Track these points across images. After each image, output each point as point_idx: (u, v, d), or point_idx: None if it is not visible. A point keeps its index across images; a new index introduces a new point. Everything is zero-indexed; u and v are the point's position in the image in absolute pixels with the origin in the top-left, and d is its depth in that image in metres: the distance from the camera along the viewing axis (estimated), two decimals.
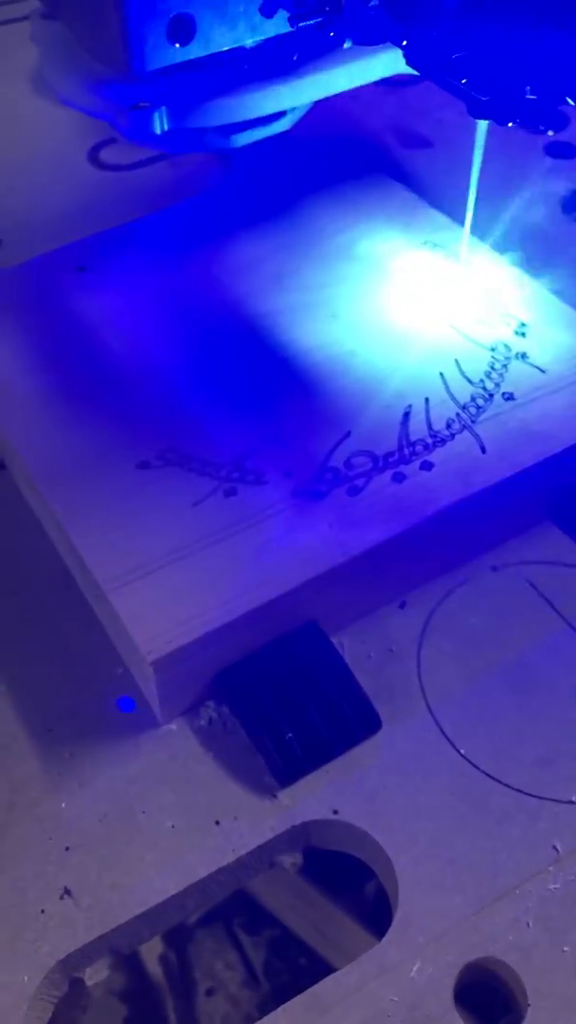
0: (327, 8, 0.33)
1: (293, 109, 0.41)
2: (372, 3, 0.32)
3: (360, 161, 0.48)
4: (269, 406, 0.37)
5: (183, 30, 0.35)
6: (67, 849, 0.30)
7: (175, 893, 0.29)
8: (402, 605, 0.35)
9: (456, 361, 0.38)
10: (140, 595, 0.31)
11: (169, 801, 0.31)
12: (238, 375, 0.38)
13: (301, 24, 0.34)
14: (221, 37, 0.36)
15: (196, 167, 0.55)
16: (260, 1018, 0.26)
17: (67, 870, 0.29)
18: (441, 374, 0.38)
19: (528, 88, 0.29)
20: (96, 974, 0.29)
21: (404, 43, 0.31)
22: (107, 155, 0.56)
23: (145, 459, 0.35)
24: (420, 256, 0.43)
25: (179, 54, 0.35)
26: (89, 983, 0.29)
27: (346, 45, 0.36)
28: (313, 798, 0.31)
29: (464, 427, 0.36)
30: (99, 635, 0.35)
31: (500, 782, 0.31)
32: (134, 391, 0.37)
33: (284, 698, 0.32)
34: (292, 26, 0.34)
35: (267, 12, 0.35)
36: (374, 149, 0.52)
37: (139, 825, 0.30)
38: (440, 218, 0.44)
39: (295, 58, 0.38)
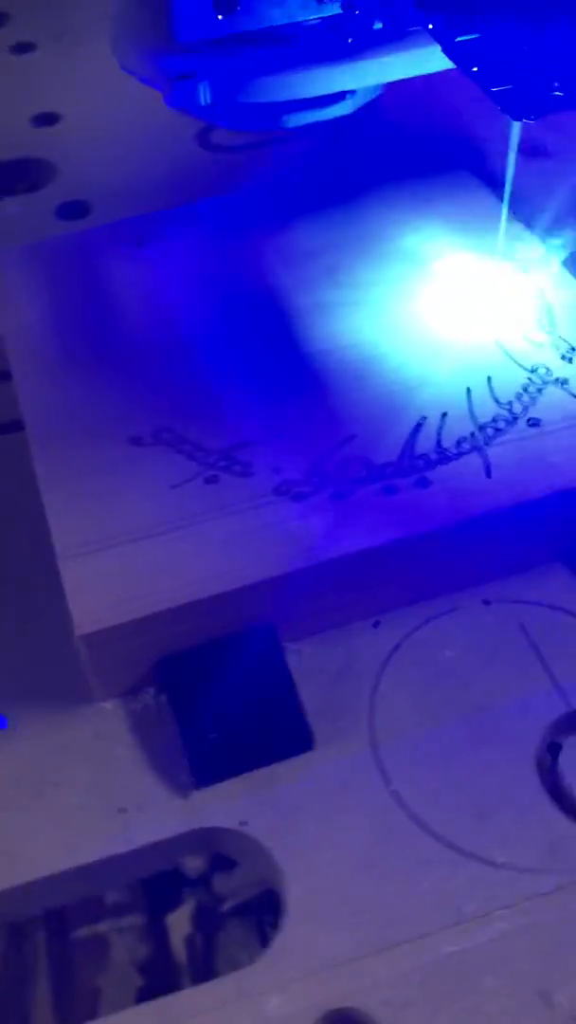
0: None
1: (353, 93, 0.39)
2: None
3: (450, 156, 0.46)
4: (279, 399, 0.35)
5: (227, 1, 0.34)
6: None
7: (62, 871, 0.28)
8: (376, 624, 0.33)
9: (488, 378, 0.36)
10: (91, 568, 0.31)
11: (82, 779, 0.30)
12: (259, 365, 0.37)
13: (327, 3, 0.33)
14: (269, 12, 0.35)
15: (303, 151, 0.55)
16: None
17: None
18: (468, 389, 0.35)
19: (556, 84, 0.26)
20: None
21: (430, 26, 0.29)
22: (218, 136, 0.56)
23: (139, 434, 0.35)
24: (483, 264, 0.41)
25: (223, 26, 0.34)
26: None
27: (376, 26, 0.34)
28: (225, 804, 0.29)
29: (475, 448, 0.34)
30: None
31: (425, 828, 0.29)
32: (150, 367, 0.37)
33: (219, 697, 0.30)
34: (319, 3, 0.33)
35: None
36: (468, 145, 0.49)
37: (46, 797, 0.30)
38: (517, 227, 0.42)
39: (350, 41, 0.36)
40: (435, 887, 0.27)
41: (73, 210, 0.51)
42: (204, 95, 0.37)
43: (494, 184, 0.45)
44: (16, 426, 0.36)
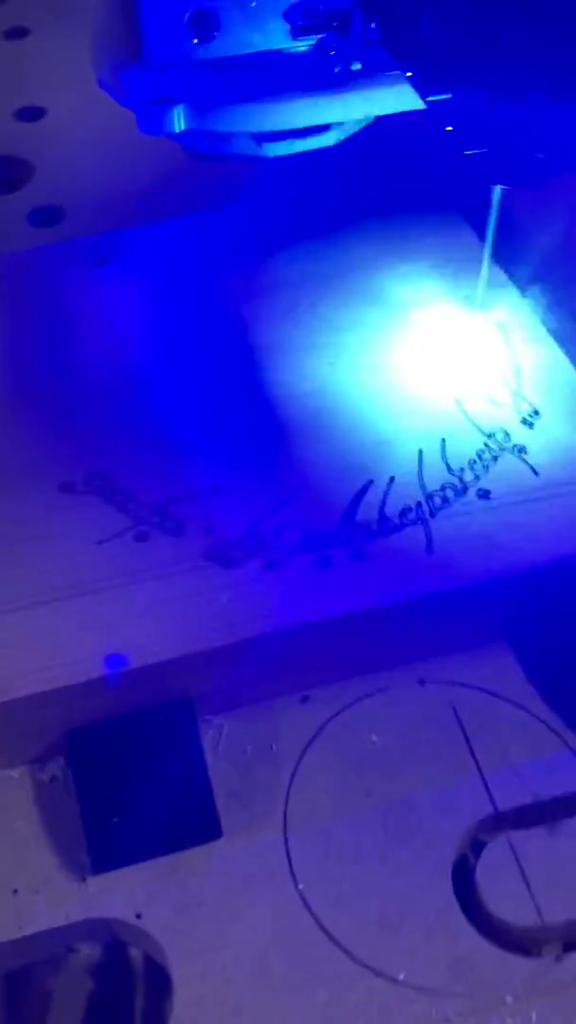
0: (334, 24, 0.29)
1: (340, 125, 0.37)
2: (371, 27, 0.28)
3: (440, 194, 0.44)
4: (222, 450, 0.34)
5: (204, 25, 0.32)
6: None
7: None
8: (304, 699, 0.32)
9: (443, 440, 0.34)
10: (4, 629, 0.29)
11: None
12: (207, 409, 0.35)
13: (301, 38, 0.30)
14: (249, 39, 0.32)
15: (292, 168, 0.52)
16: None
17: None
18: (420, 451, 0.33)
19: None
20: None
21: (408, 74, 0.26)
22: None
23: (71, 480, 0.33)
24: (459, 315, 0.38)
25: (199, 50, 0.32)
26: None
27: (356, 66, 0.32)
28: (123, 894, 0.28)
29: (419, 519, 0.32)
30: None
31: (328, 934, 0.27)
32: (91, 404, 0.35)
33: (125, 776, 0.29)
34: (294, 38, 0.31)
35: (289, 20, 0.32)
36: (460, 182, 0.47)
37: None
38: (499, 275, 0.39)
39: (337, 71, 0.34)
40: (331, 1000, 0.26)
41: (46, 216, 0.49)
42: (178, 121, 0.35)
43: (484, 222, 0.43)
44: None
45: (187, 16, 0.31)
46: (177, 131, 0.34)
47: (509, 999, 0.26)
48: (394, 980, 0.26)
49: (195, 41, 0.32)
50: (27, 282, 0.40)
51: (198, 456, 0.33)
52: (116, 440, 0.34)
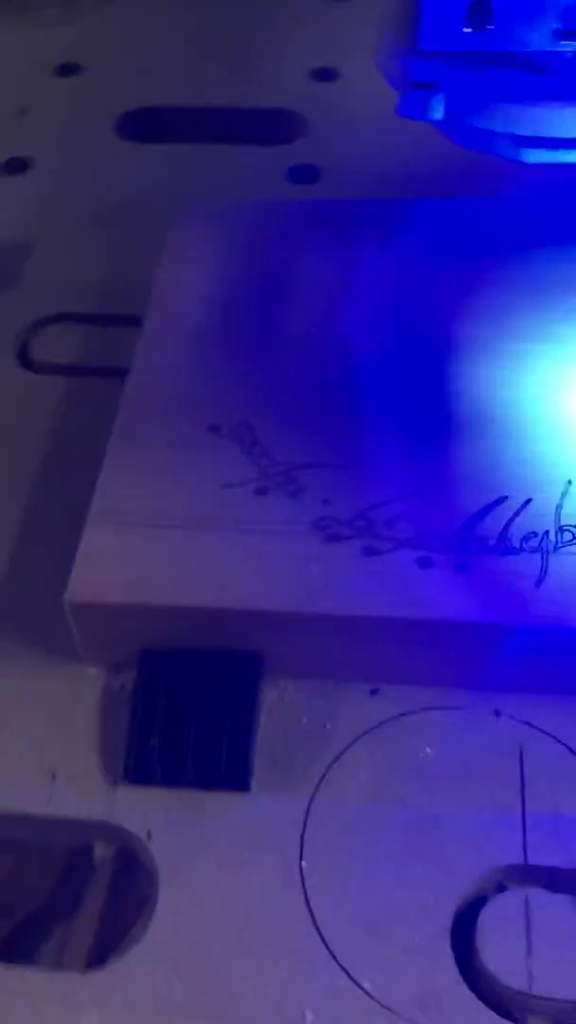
0: None
1: None
2: None
3: None
4: (358, 431, 0.33)
5: (480, 15, 0.31)
6: None
7: None
8: (373, 692, 0.31)
9: None
10: (111, 539, 0.31)
11: (35, 731, 0.31)
12: (368, 388, 0.35)
13: (563, 43, 0.29)
14: (524, 34, 0.31)
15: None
16: None
17: None
18: (569, 482, 0.32)
19: None
20: None
21: None
22: None
23: (219, 423, 0.34)
24: None
25: (471, 40, 0.32)
26: None
27: None
28: (142, 809, 0.29)
29: (540, 549, 0.30)
30: None
31: (313, 919, 0.27)
32: (266, 360, 0.36)
33: (177, 706, 0.30)
34: (558, 41, 0.29)
35: (562, 22, 0.31)
36: None
37: (8, 733, 0.31)
38: None
39: None
40: (292, 980, 0.26)
41: (304, 174, 0.51)
42: (438, 109, 0.34)
43: None
44: (120, 373, 0.37)
45: (466, 6, 0.31)
46: (435, 119, 0.34)
47: None
48: (359, 986, 0.26)
49: (467, 30, 0.32)
50: (252, 233, 0.41)
51: (338, 430, 0.34)
52: (270, 398, 0.35)
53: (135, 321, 0.42)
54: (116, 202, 0.50)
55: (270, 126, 0.55)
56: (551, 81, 0.33)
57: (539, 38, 0.31)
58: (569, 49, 0.32)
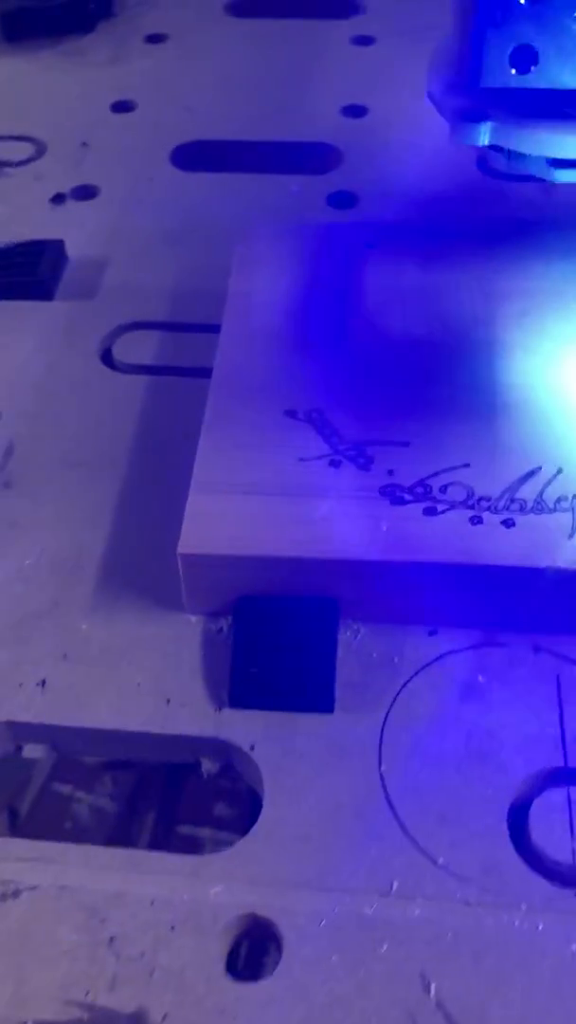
0: None
1: None
2: None
3: None
4: (417, 415, 0.39)
5: (524, 59, 0.37)
6: (64, 656, 0.37)
7: (108, 728, 0.35)
8: (432, 633, 0.37)
9: None
10: (211, 504, 0.37)
11: (150, 665, 0.37)
12: (422, 379, 0.41)
13: None
14: (561, 75, 0.37)
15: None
16: None
17: (57, 666, 0.37)
18: None
19: None
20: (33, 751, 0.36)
21: None
22: (497, 162, 0.59)
23: (295, 409, 0.40)
24: None
25: (514, 79, 0.38)
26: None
27: None
28: (245, 728, 0.35)
29: (571, 509, 0.36)
30: None
31: (393, 811, 0.33)
32: (332, 356, 0.42)
33: (271, 642, 0.36)
34: None
35: None
36: None
37: (119, 669, 0.36)
38: None
39: None
40: (379, 859, 0.32)
41: (342, 199, 0.57)
42: (484, 136, 0.40)
43: None
44: (207, 372, 0.43)
45: (510, 50, 0.37)
46: (482, 144, 0.40)
47: (524, 906, 0.30)
48: (434, 861, 0.31)
49: (513, 71, 0.38)
50: (311, 250, 0.47)
51: (401, 415, 0.40)
52: (341, 386, 0.41)
53: (204, 328, 0.48)
54: (177, 224, 0.56)
55: (309, 157, 0.61)
56: None
57: (575, 78, 0.37)
58: None
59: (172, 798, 0.36)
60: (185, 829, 0.35)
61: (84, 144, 0.62)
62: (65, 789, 0.37)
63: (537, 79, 0.37)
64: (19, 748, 0.37)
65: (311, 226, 0.49)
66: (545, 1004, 0.29)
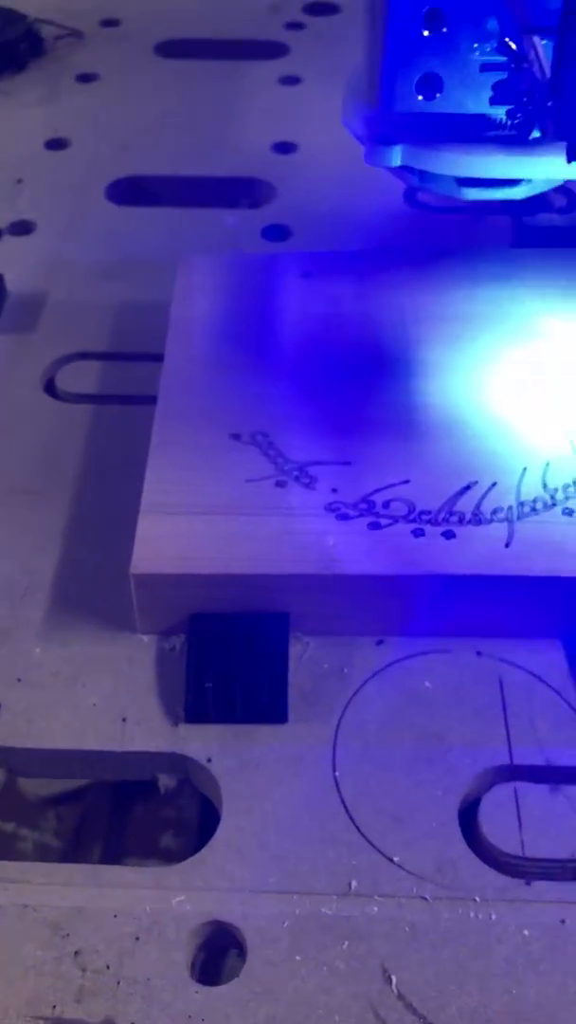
0: (524, 100, 0.36)
1: (530, 182, 0.44)
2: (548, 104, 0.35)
3: None
4: (359, 435, 0.41)
5: (430, 87, 0.40)
6: (18, 680, 0.37)
7: (66, 749, 0.35)
8: (379, 643, 0.38)
9: (547, 463, 0.40)
10: (161, 524, 0.38)
11: (104, 686, 0.37)
12: (357, 402, 0.43)
13: (497, 105, 0.38)
14: (465, 101, 0.40)
15: (492, 226, 0.59)
16: None
17: (11, 690, 0.37)
18: (524, 469, 0.40)
19: None
20: None
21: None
22: (424, 197, 0.61)
23: (240, 432, 0.41)
24: None
25: (423, 105, 0.40)
26: None
27: (535, 135, 0.39)
28: (201, 741, 0.35)
29: (507, 519, 0.38)
30: None
31: (348, 814, 0.34)
32: (271, 381, 0.44)
33: (224, 658, 0.37)
34: (491, 104, 0.38)
35: (494, 91, 0.39)
36: None
37: (73, 691, 0.37)
38: None
39: (533, 135, 0.41)
40: (337, 861, 0.33)
41: (276, 232, 0.59)
42: (396, 157, 0.43)
43: None
44: (150, 400, 0.44)
45: (416, 78, 0.40)
46: (394, 166, 0.42)
47: (478, 899, 0.32)
48: (390, 860, 0.33)
49: (420, 98, 0.40)
50: (250, 279, 0.49)
51: (340, 435, 0.41)
52: (282, 410, 0.42)
53: (145, 357, 0.49)
54: (115, 257, 0.57)
55: (242, 192, 0.63)
56: (485, 134, 0.41)
57: (476, 104, 0.40)
58: (500, 112, 0.40)
59: (118, 831, 0.36)
60: (131, 862, 0.36)
61: (19, 181, 0.64)
62: (8, 827, 0.37)
63: (442, 104, 0.40)
64: None
65: (248, 256, 0.51)
66: (502, 988, 0.30)
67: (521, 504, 0.39)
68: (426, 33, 0.38)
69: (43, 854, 0.40)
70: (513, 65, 0.39)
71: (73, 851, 0.38)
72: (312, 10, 0.82)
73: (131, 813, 0.38)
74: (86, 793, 0.38)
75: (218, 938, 0.31)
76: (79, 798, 0.38)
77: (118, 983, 0.30)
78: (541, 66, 0.38)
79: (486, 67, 0.39)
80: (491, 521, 0.38)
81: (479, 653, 0.38)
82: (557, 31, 0.35)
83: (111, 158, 0.65)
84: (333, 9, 0.82)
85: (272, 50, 0.77)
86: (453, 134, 0.42)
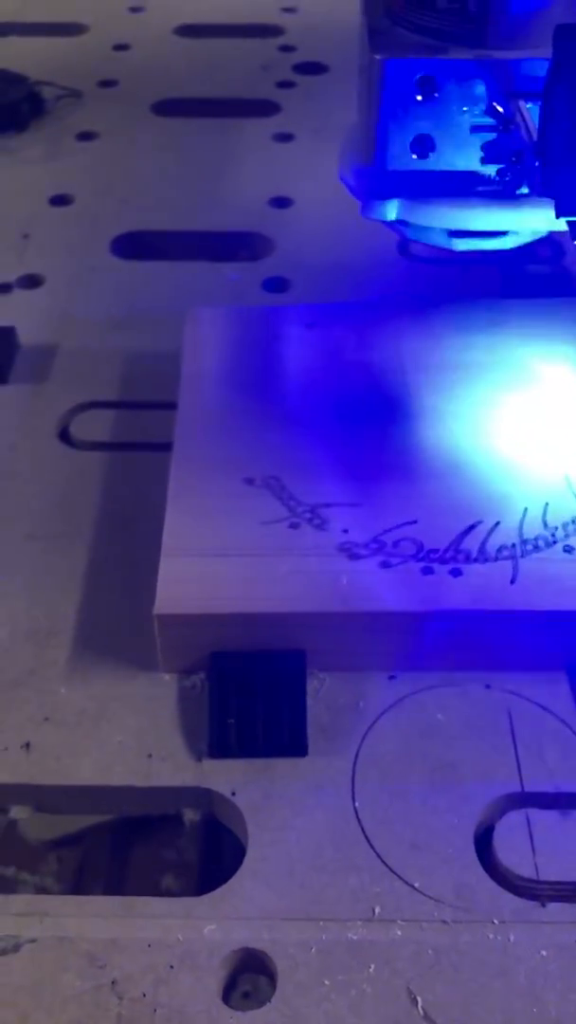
0: (512, 159, 0.39)
1: (517, 233, 0.46)
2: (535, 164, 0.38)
3: None
4: (368, 479, 0.43)
5: (423, 146, 0.42)
6: (45, 719, 0.39)
7: (93, 785, 0.37)
8: (391, 677, 0.40)
9: (546, 504, 0.42)
10: (183, 567, 0.40)
11: (129, 724, 0.39)
12: (365, 447, 0.45)
13: (488, 164, 0.40)
14: (454, 158, 0.42)
15: (485, 276, 0.62)
16: None
17: (39, 729, 0.38)
18: (525, 509, 0.42)
19: None
20: (19, 812, 0.38)
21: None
22: (416, 249, 0.64)
23: (253, 477, 0.43)
24: None
25: (416, 163, 0.42)
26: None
27: (522, 191, 0.41)
28: (225, 776, 0.37)
29: (511, 557, 0.40)
30: None
31: (368, 842, 0.35)
32: (281, 428, 0.46)
33: (245, 695, 0.38)
34: (482, 163, 0.41)
35: (483, 150, 0.42)
36: None
37: (99, 728, 0.38)
38: None
39: (520, 191, 0.43)
40: (360, 888, 0.34)
41: (276, 284, 0.61)
42: (391, 211, 0.45)
43: None
44: (162, 446, 0.46)
45: (410, 139, 0.42)
46: (390, 219, 0.45)
47: (496, 921, 0.33)
48: (411, 886, 0.34)
49: (414, 156, 0.43)
50: (256, 330, 0.51)
51: (349, 478, 0.43)
52: (292, 455, 0.44)
53: (156, 405, 0.51)
54: (122, 310, 0.59)
55: (242, 245, 0.66)
56: (475, 189, 0.44)
57: (466, 161, 0.43)
58: (490, 170, 0.43)
59: (118, 874, 0.37)
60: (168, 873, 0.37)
61: (26, 236, 0.66)
62: (8, 871, 0.38)
63: (435, 162, 0.42)
64: (3, 810, 0.38)
65: (254, 308, 0.53)
66: (523, 1006, 0.31)
67: (524, 542, 0.40)
68: (419, 98, 0.41)
69: None
70: (501, 127, 0.42)
71: (74, 894, 0.39)
72: (302, 69, 0.85)
73: (131, 855, 0.39)
74: (85, 836, 0.39)
75: (250, 964, 0.33)
76: (78, 841, 0.39)
77: (155, 1011, 0.31)
78: (528, 128, 0.41)
79: (476, 128, 0.42)
80: (496, 559, 0.40)
81: (488, 686, 0.40)
82: (543, 96, 0.38)
83: (114, 213, 0.68)
84: (322, 68, 0.85)
85: (264, 108, 0.80)
86: (445, 189, 0.45)
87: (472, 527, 0.41)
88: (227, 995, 0.32)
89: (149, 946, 0.33)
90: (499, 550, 0.40)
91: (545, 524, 0.41)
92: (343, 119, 0.75)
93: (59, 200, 0.69)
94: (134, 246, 0.66)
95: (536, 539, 0.41)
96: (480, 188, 0.44)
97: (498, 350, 0.50)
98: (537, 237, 0.48)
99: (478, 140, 0.42)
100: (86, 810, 0.38)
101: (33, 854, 0.39)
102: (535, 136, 0.40)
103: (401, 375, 0.48)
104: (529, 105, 0.40)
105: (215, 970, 0.32)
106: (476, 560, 0.40)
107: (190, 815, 0.38)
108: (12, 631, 0.42)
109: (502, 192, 0.44)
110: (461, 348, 0.50)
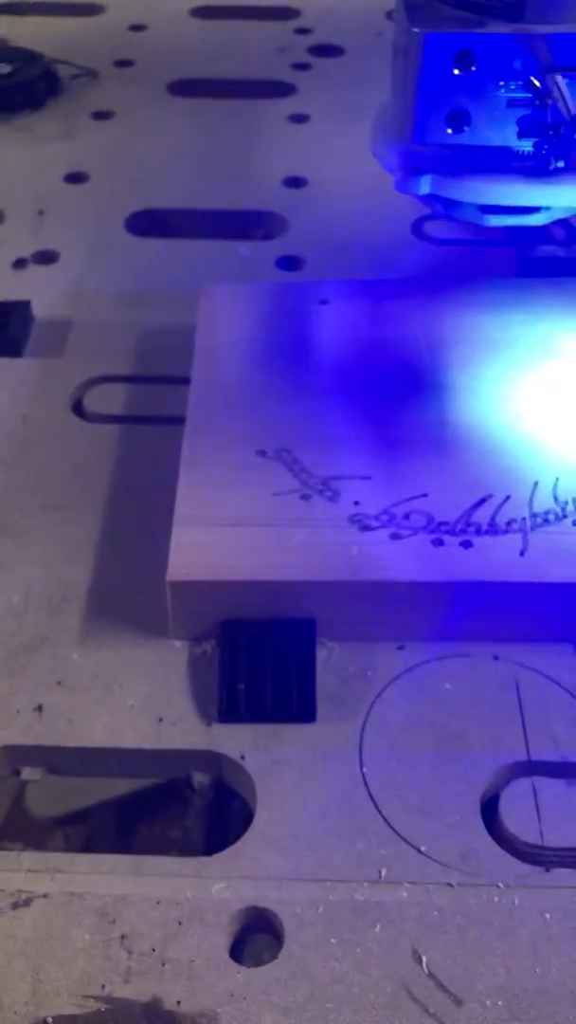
0: (550, 132, 0.39)
1: (549, 209, 0.46)
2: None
3: None
4: (380, 451, 0.43)
5: (458, 121, 0.42)
6: (58, 683, 0.39)
7: (106, 747, 0.37)
8: (400, 647, 0.40)
9: (557, 479, 0.42)
10: (194, 535, 0.40)
11: (140, 689, 0.39)
12: (377, 421, 0.45)
13: (524, 139, 0.40)
14: (489, 134, 0.42)
15: (501, 256, 0.62)
16: None
17: (52, 693, 0.39)
18: (536, 483, 0.42)
19: None
20: (31, 774, 0.38)
21: None
22: (430, 229, 0.64)
23: (265, 449, 0.44)
24: None
25: (450, 137, 0.42)
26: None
27: (559, 164, 0.41)
28: (234, 740, 0.37)
29: (520, 530, 0.40)
30: None
31: (376, 806, 0.36)
32: (294, 401, 0.46)
33: (254, 661, 0.39)
34: (519, 138, 0.41)
35: (519, 125, 0.42)
36: None
37: (111, 693, 0.39)
38: None
39: (553, 166, 0.43)
40: (367, 851, 0.34)
41: (290, 263, 0.61)
42: (425, 186, 0.45)
43: None
44: (174, 420, 0.46)
45: (446, 113, 0.42)
46: (422, 194, 0.45)
47: (501, 885, 0.34)
48: (418, 850, 0.34)
49: (449, 131, 0.43)
50: (270, 306, 0.51)
51: (362, 450, 0.44)
52: (304, 428, 0.45)
53: (168, 380, 0.52)
54: (136, 286, 0.60)
55: (256, 224, 0.66)
56: (509, 164, 0.44)
57: (501, 137, 0.43)
58: (524, 145, 0.43)
59: (124, 851, 0.38)
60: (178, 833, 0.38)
61: (41, 212, 0.66)
62: (15, 847, 0.39)
63: (470, 138, 0.42)
64: (16, 772, 0.39)
65: (267, 284, 0.54)
66: (526, 967, 0.32)
67: (534, 516, 0.41)
68: (456, 72, 0.41)
69: None
70: (537, 101, 0.42)
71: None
72: (317, 52, 0.85)
73: (136, 833, 0.40)
74: (91, 813, 0.39)
75: (257, 922, 0.33)
76: (85, 818, 0.40)
77: (163, 965, 0.32)
78: (565, 102, 0.41)
79: (512, 103, 0.42)
80: (506, 532, 0.40)
81: (496, 657, 0.40)
82: None
83: (128, 191, 0.68)
84: (338, 51, 0.85)
85: (280, 89, 0.80)
86: (479, 165, 0.45)
87: (483, 500, 0.41)
88: (235, 952, 0.33)
89: (158, 903, 0.33)
90: (509, 523, 0.41)
91: (555, 498, 0.41)
92: (358, 101, 0.75)
93: (74, 177, 0.70)
94: (148, 223, 0.66)
95: (546, 513, 0.41)
96: (514, 164, 0.44)
97: (511, 329, 0.50)
98: (570, 214, 0.48)
99: (514, 115, 0.42)
100: (97, 772, 0.39)
101: (40, 830, 0.40)
102: (572, 110, 0.40)
103: (414, 351, 0.49)
104: (567, 80, 0.41)
105: (223, 927, 0.33)
106: (486, 533, 0.40)
107: (200, 778, 0.38)
108: (26, 597, 0.43)
109: (536, 168, 0.44)
110: (473, 325, 0.50)
